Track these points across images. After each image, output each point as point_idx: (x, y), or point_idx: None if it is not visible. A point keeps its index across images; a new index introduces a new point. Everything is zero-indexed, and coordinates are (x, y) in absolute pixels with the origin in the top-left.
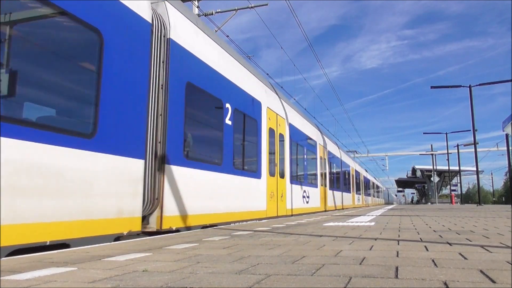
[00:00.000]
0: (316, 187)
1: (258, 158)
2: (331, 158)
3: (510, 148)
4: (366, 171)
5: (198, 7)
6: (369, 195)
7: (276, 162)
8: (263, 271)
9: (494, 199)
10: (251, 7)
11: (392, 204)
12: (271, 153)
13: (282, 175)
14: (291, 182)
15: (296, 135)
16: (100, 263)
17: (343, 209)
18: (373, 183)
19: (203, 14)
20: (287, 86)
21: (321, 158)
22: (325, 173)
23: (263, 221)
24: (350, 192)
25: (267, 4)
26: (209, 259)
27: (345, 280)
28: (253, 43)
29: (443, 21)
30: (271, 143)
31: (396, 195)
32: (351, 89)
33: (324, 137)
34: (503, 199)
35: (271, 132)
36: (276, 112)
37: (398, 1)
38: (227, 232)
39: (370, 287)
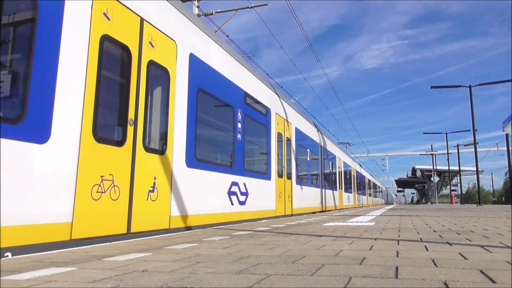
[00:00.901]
0: (268, 178)
1: (46, 94)
2: (302, 139)
3: (510, 148)
4: (361, 166)
5: (198, 7)
6: (364, 194)
7: (143, 118)
8: (263, 271)
9: (494, 199)
10: (251, 7)
11: (392, 204)
12: (121, 95)
13: (159, 149)
14: (196, 166)
15: (211, 81)
16: (100, 263)
17: (323, 211)
18: (369, 180)
19: (203, 14)
20: (287, 86)
21: (280, 135)
22: (289, 160)
23: (263, 221)
24: (335, 190)
25: (267, 4)
26: (209, 259)
27: (345, 280)
28: (254, 43)
29: (444, 21)
30: (121, 74)
31: (396, 195)
32: (352, 89)
33: (289, 107)
34: (503, 199)
35: (119, 49)
36: (148, 21)
37: (399, 1)
38: (227, 232)
39: (370, 287)
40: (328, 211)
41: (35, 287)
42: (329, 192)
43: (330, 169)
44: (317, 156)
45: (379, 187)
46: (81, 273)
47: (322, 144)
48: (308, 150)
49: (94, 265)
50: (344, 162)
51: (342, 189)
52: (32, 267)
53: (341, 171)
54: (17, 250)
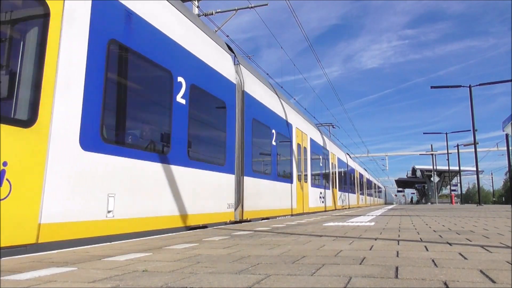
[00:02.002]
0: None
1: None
2: (192, 68)
3: (510, 148)
4: (349, 155)
5: (198, 7)
6: (352, 192)
7: None
8: (263, 271)
9: (494, 199)
10: (251, 7)
11: (392, 204)
12: None
13: None
14: None
15: None
16: (100, 263)
17: (259, 219)
18: (361, 175)
19: (203, 14)
20: (287, 86)
21: (101, 33)
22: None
23: (263, 221)
24: (290, 182)
25: (267, 4)
26: (209, 259)
27: (345, 280)
28: (254, 43)
29: (444, 20)
30: None
31: (396, 195)
32: (352, 89)
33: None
34: (503, 199)
35: None
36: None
37: (399, 0)
38: (227, 232)
39: (370, 287)
40: (275, 217)
41: (35, 287)
42: (273, 185)
43: (279, 147)
44: (234, 118)
45: (376, 185)
46: (81, 273)
47: (267, 106)
48: (215, 97)
49: (94, 265)
50: (314, 142)
51: (307, 181)
52: (32, 267)
53: (308, 155)
54: None
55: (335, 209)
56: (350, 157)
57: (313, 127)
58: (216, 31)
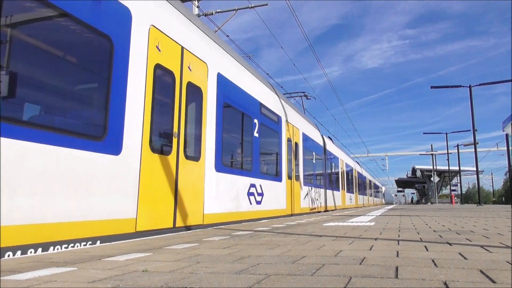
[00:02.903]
0: None
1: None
2: None
3: (510, 148)
4: (331, 140)
5: (198, 7)
6: (333, 187)
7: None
8: (263, 271)
9: (494, 199)
10: (251, 7)
11: (392, 204)
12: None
13: None
14: None
15: None
16: (100, 263)
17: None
18: (349, 166)
19: (203, 14)
20: (288, 86)
21: None
22: None
23: (263, 221)
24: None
25: (267, 4)
26: (209, 259)
27: (345, 280)
28: (254, 43)
29: (445, 20)
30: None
31: (396, 195)
32: (352, 89)
33: None
34: (503, 199)
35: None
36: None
37: (400, 0)
38: (227, 232)
39: (370, 287)
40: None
41: (35, 287)
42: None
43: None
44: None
45: (371, 182)
46: (81, 273)
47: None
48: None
49: (94, 265)
50: (238, 90)
51: (214, 162)
52: (32, 267)
53: (216, 113)
54: None
55: (292, 214)
56: (332, 142)
57: (247, 71)
58: (216, 31)
